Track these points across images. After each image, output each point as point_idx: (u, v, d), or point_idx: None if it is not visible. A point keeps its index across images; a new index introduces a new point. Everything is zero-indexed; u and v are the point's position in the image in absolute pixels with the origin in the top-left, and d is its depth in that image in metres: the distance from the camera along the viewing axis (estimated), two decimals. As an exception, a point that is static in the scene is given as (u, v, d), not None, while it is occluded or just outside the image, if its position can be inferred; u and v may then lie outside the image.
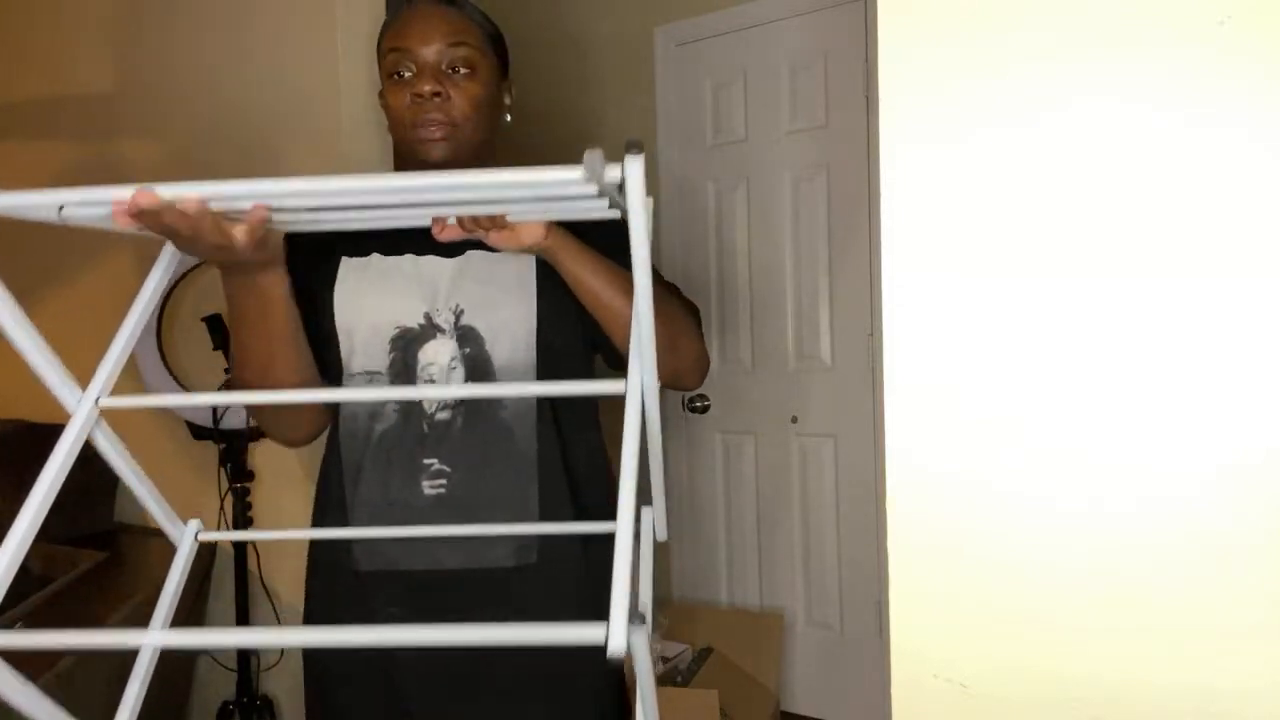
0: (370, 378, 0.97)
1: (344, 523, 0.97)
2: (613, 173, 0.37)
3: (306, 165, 1.70)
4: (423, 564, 0.96)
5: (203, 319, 1.76)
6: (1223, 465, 0.54)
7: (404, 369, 0.96)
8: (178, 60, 1.85)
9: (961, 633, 0.61)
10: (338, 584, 1.00)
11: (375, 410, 0.97)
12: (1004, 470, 0.60)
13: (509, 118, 1.07)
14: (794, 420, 2.52)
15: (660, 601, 2.64)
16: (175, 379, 1.83)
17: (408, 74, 0.96)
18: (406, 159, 1.01)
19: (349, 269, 0.98)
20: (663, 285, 1.02)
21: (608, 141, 2.79)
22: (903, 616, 0.63)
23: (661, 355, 0.97)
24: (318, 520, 1.03)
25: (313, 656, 1.04)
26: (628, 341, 0.94)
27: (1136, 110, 0.55)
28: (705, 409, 2.63)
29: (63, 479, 0.42)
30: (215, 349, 1.76)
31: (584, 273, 0.89)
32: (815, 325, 2.48)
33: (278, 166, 1.75)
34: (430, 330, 0.96)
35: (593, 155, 0.37)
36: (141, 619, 1.59)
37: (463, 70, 0.96)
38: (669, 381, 1.00)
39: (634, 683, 0.50)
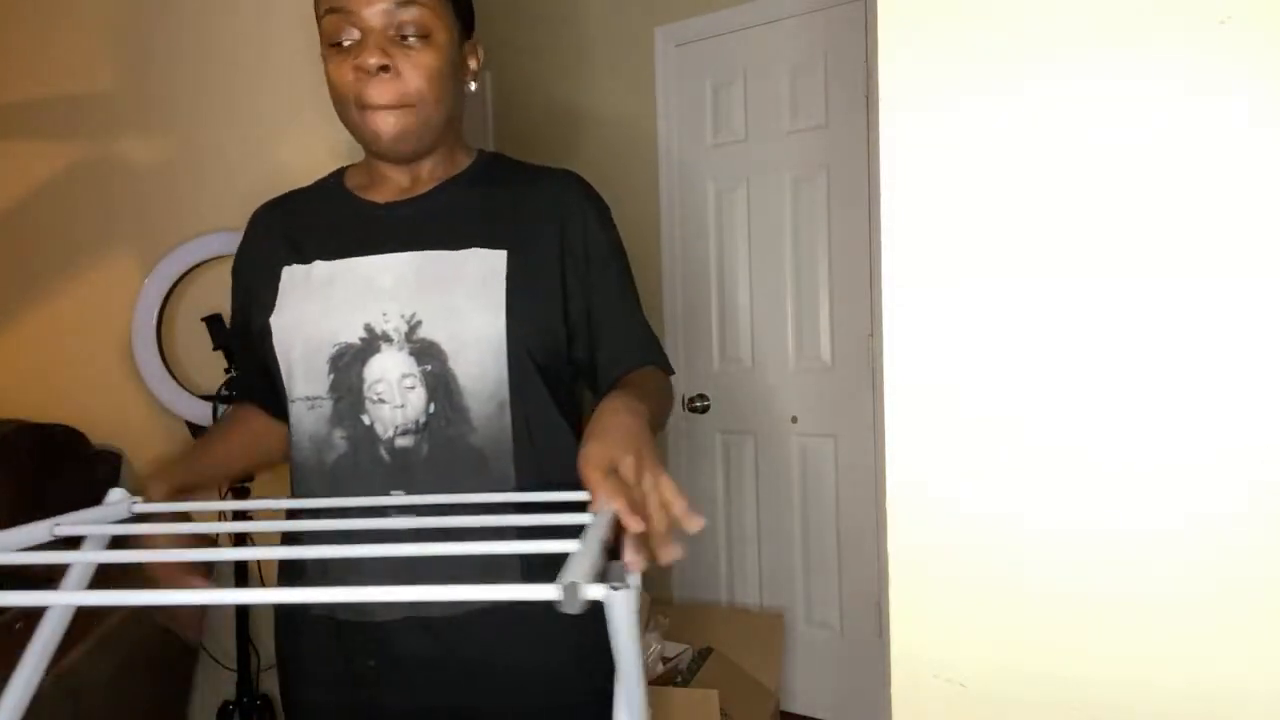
0: (311, 404, 0.85)
1: (309, 564, 0.88)
2: (593, 592, 0.39)
3: (305, 159, 1.70)
4: (398, 613, 0.86)
5: (203, 319, 1.77)
6: (1223, 465, 0.54)
7: (348, 392, 0.84)
8: (177, 59, 1.85)
9: (961, 633, 0.61)
10: (309, 632, 0.91)
11: (322, 439, 0.85)
12: (1003, 470, 0.59)
13: (473, 85, 0.92)
14: (794, 420, 2.52)
15: (660, 601, 2.64)
16: (175, 379, 1.83)
17: (349, 42, 0.82)
18: (359, 140, 0.89)
19: (289, 280, 0.88)
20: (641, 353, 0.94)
21: (607, 142, 2.79)
22: (903, 616, 0.63)
23: None
24: (285, 558, 0.92)
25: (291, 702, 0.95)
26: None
27: (1137, 110, 0.55)
28: (705, 409, 2.63)
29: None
30: (215, 349, 1.76)
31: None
32: (815, 325, 2.48)
33: (276, 162, 1.75)
34: (374, 343, 0.84)
35: (570, 588, 0.39)
36: (142, 617, 1.59)
37: (414, 37, 0.82)
38: None
39: None
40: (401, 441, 0.84)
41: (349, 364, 0.84)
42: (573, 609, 0.38)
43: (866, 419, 2.39)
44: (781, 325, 2.53)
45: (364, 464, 0.84)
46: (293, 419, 0.88)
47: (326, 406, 0.85)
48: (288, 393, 0.87)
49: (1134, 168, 0.55)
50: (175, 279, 1.84)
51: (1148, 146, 0.55)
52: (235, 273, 0.98)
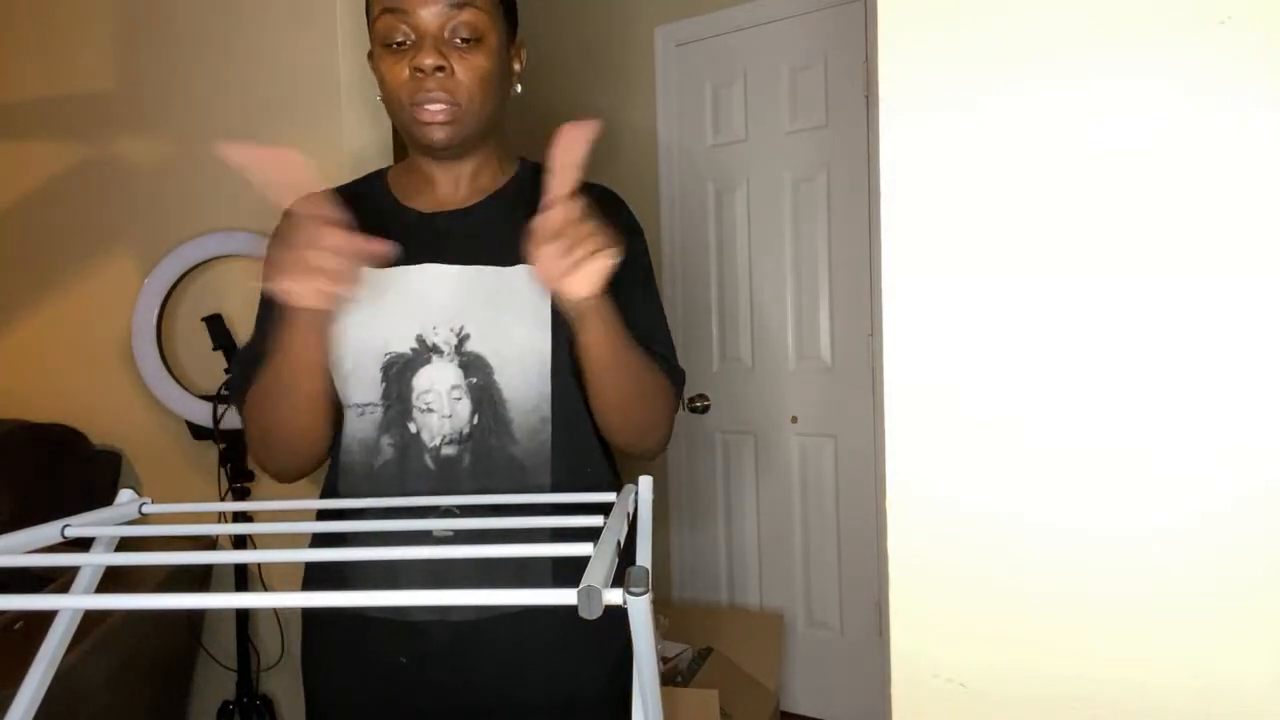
0: (363, 410, 0.88)
1: (346, 565, 0.89)
2: (610, 598, 0.39)
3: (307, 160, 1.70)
4: (430, 615, 0.88)
5: (203, 319, 1.77)
6: (1224, 465, 0.54)
7: (397, 399, 0.87)
8: (178, 59, 1.85)
9: (961, 633, 0.61)
10: (339, 626, 0.93)
11: (370, 445, 0.88)
12: (1003, 470, 0.59)
13: (519, 87, 0.96)
14: (794, 420, 2.52)
15: (660, 602, 2.64)
16: (175, 379, 1.83)
17: (405, 42, 0.85)
18: (408, 138, 0.92)
19: None
20: (650, 349, 0.93)
21: (607, 142, 2.79)
22: (903, 616, 0.63)
23: (631, 435, 0.92)
24: (310, 560, 0.95)
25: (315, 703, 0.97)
26: (612, 423, 0.89)
27: (1137, 110, 0.55)
28: (705, 409, 2.63)
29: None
30: (215, 349, 1.76)
31: (608, 343, 0.82)
32: (815, 325, 2.48)
33: (278, 166, 1.75)
34: (424, 354, 0.87)
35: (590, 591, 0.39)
36: (141, 617, 1.59)
37: (468, 39, 0.85)
38: (625, 448, 0.94)
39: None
40: (447, 450, 0.87)
41: (399, 373, 0.87)
42: (590, 614, 0.38)
43: (866, 419, 2.39)
44: (781, 325, 2.53)
45: (409, 471, 0.87)
46: (342, 424, 0.90)
47: (378, 413, 0.88)
48: (343, 398, 0.89)
49: (1134, 168, 0.55)
50: (175, 279, 1.84)
51: (1147, 146, 0.55)
52: (274, 255, 0.97)
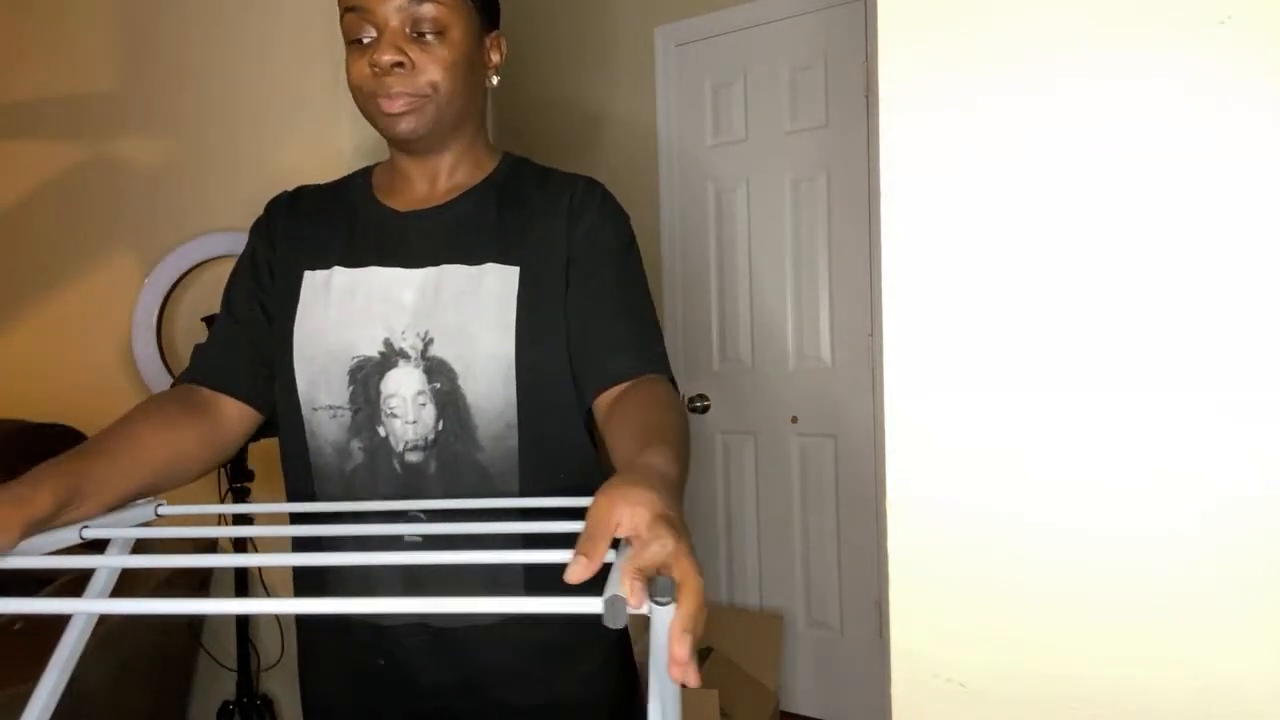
0: (334, 413, 0.86)
1: (325, 568, 0.89)
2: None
3: (306, 160, 1.70)
4: (406, 619, 0.87)
5: (203, 319, 1.77)
6: (1222, 466, 0.54)
7: (365, 404, 0.85)
8: (178, 59, 1.85)
9: (961, 633, 0.61)
10: (324, 630, 0.94)
11: (342, 448, 0.87)
12: (1004, 471, 0.59)
13: (495, 79, 0.93)
14: (794, 420, 2.52)
15: (660, 601, 2.63)
16: (175, 379, 1.83)
17: (368, 39, 0.84)
18: (380, 132, 0.89)
19: (310, 287, 0.89)
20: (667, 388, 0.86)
21: (607, 142, 2.79)
22: (903, 616, 0.63)
23: None
24: (297, 565, 0.92)
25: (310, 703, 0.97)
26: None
27: (1137, 110, 0.55)
28: (705, 409, 2.63)
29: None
30: (215, 349, 1.76)
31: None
32: (815, 325, 2.48)
33: (278, 163, 1.75)
34: (391, 358, 0.85)
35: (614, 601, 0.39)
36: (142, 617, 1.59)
37: (430, 33, 0.83)
38: None
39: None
40: (411, 457, 0.85)
41: (367, 376, 0.86)
42: (615, 624, 0.37)
43: (866, 419, 2.39)
44: (781, 325, 2.53)
45: (380, 475, 0.86)
46: (314, 426, 0.88)
47: (346, 417, 0.86)
48: (308, 400, 0.87)
49: (1133, 168, 0.55)
50: (175, 279, 1.84)
51: (1148, 146, 0.55)
52: (255, 243, 0.98)
